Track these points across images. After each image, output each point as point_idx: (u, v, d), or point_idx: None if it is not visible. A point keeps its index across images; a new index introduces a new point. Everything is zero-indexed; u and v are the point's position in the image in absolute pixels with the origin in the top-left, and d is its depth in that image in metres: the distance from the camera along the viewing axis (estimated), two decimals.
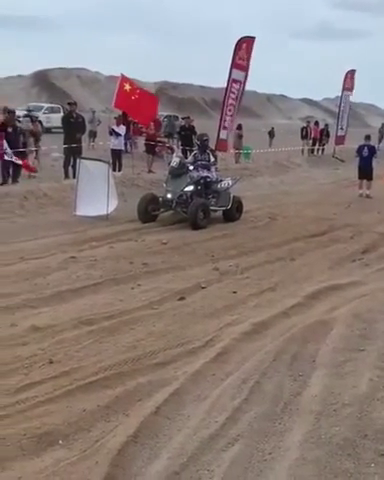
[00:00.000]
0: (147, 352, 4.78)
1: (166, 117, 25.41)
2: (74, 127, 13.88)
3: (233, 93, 17.94)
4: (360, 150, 15.25)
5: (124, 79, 12.25)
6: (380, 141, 25.92)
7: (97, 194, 10.21)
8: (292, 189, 15.48)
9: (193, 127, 17.38)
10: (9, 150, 11.88)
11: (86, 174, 10.69)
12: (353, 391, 4.16)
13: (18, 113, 17.84)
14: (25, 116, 16.65)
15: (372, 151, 15.36)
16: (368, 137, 15.64)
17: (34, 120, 15.52)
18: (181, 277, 6.91)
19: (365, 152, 15.15)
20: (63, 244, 8.31)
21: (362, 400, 4.00)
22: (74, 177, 12.54)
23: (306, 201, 13.18)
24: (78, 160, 11.50)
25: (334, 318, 5.63)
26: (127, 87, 12.21)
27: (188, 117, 18.98)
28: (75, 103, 15.30)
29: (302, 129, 24.35)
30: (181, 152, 15.04)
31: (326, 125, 25.94)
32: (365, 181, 14.79)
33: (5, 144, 11.84)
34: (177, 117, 30.86)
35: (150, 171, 15.76)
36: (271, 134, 26.87)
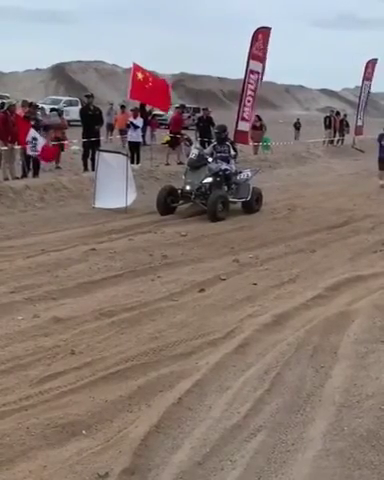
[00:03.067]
0: (168, 343, 4.80)
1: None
2: (92, 120, 13.91)
3: (251, 84, 17.86)
4: (381, 140, 15.00)
5: (136, 68, 12.11)
6: None
7: (116, 186, 10.23)
8: (312, 180, 15.34)
9: (211, 118, 17.31)
10: (39, 139, 11.85)
11: (105, 167, 10.72)
12: (376, 383, 4.12)
13: (44, 106, 17.99)
14: (52, 110, 16.73)
15: None
16: None
17: (61, 114, 15.54)
18: (201, 269, 6.90)
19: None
20: (83, 236, 8.36)
21: None
22: (93, 170, 12.57)
23: (326, 192, 13.06)
24: (97, 152, 11.53)
25: (356, 310, 5.58)
26: (139, 76, 12.10)
27: (206, 108, 18.93)
28: (92, 96, 15.34)
29: (325, 119, 24.07)
30: (199, 144, 14.98)
31: (345, 115, 25.60)
32: None
33: (35, 134, 11.85)
34: (198, 109, 30.67)
35: (167, 164, 15.73)
36: (297, 126, 26.28)
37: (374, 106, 37.37)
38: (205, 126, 16.98)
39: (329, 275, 6.81)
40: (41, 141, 11.82)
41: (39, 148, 11.76)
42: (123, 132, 18.14)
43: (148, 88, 12.26)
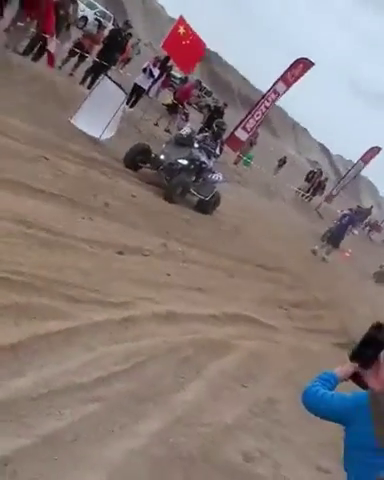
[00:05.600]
0: None
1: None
2: (117, 45, 13.50)
3: (268, 101, 18.24)
4: (341, 218, 15.61)
5: (181, 21, 12.02)
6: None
7: (101, 116, 9.93)
8: (268, 215, 15.29)
9: (223, 113, 17.36)
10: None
11: (102, 92, 10.35)
12: (215, 414, 4.25)
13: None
14: (95, 20, 15.91)
15: (351, 221, 15.75)
16: (356, 212, 16.01)
17: (101, 27, 14.63)
18: (132, 235, 6.75)
19: (344, 220, 15.50)
20: (44, 141, 7.91)
21: None
22: (88, 88, 12.09)
23: (275, 233, 12.97)
24: (103, 76, 11.13)
25: (237, 345, 5.74)
26: (181, 30, 12.00)
27: (226, 104, 19.17)
28: (131, 26, 14.93)
29: (310, 172, 24.43)
30: (199, 129, 14.83)
31: (326, 178, 25.93)
32: (330, 246, 14.96)
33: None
34: (211, 93, 30.48)
35: (167, 130, 15.33)
36: (281, 163, 26.09)
37: (352, 185, 38.60)
38: (215, 119, 16.97)
39: (231, 304, 6.83)
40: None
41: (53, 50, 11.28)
42: None
43: (183, 45, 12.11)
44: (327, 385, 2.21)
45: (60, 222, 5.73)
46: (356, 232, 17.68)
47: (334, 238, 15.05)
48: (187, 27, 12.10)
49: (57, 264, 4.87)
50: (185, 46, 12.11)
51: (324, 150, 67.14)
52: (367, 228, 26.58)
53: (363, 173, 28.65)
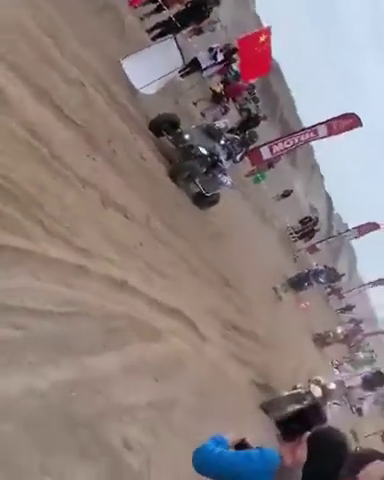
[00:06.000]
0: None
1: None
2: (197, 14, 13.34)
3: (303, 136, 18.24)
4: (314, 273, 15.91)
5: (266, 31, 11.99)
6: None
7: (150, 70, 9.73)
8: (254, 235, 15.18)
9: (258, 124, 17.35)
10: None
11: (163, 50, 10.17)
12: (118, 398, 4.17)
13: None
14: None
15: (317, 274, 16.01)
16: (328, 271, 16.27)
17: None
18: (124, 193, 6.54)
19: (312, 270, 15.77)
20: (88, 68, 7.63)
21: None
22: (153, 40, 11.90)
23: (251, 254, 12.88)
24: (172, 36, 10.92)
25: (167, 339, 5.69)
26: (262, 38, 11.95)
27: (265, 117, 19.07)
28: (218, 4, 14.78)
29: (307, 217, 24.38)
30: (230, 130, 14.79)
31: (318, 229, 25.44)
32: (289, 286, 15.14)
33: None
34: (258, 100, 30.34)
35: (195, 103, 15.17)
36: (286, 193, 25.71)
37: (337, 248, 38.70)
38: (249, 126, 16.94)
39: (182, 301, 6.73)
40: None
41: None
42: None
43: (255, 51, 12.07)
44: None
45: (65, 149, 5.51)
46: (315, 286, 17.84)
47: (298, 283, 15.29)
48: (268, 39, 12.07)
49: (44, 186, 4.70)
50: (256, 53, 12.09)
51: (328, 202, 67.13)
52: (328, 290, 26.71)
53: (355, 242, 28.80)
